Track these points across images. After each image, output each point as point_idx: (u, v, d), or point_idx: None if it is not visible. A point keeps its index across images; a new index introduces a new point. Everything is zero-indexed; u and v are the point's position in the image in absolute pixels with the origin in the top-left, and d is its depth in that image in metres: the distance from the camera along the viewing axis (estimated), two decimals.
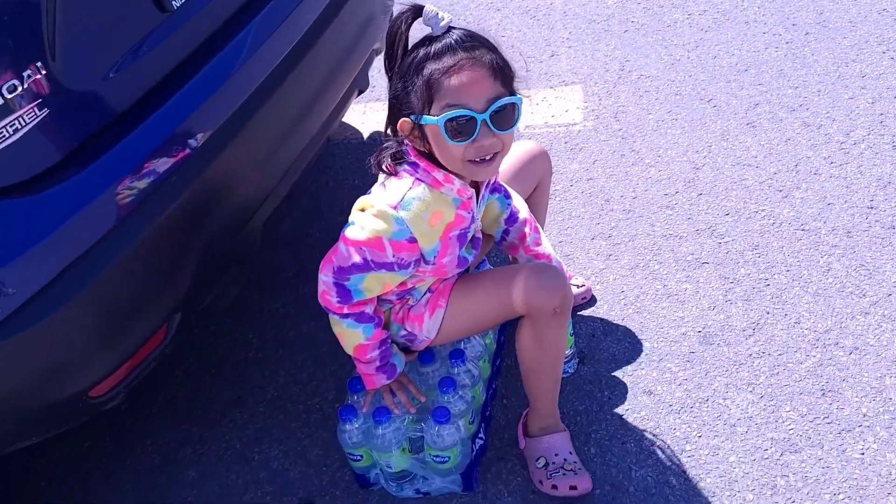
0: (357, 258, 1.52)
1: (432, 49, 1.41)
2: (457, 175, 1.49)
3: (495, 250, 2.19)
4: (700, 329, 1.95)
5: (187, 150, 1.58)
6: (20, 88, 1.32)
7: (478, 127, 1.40)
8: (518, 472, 1.77)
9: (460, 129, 1.40)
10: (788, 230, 2.14)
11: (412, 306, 1.67)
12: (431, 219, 1.50)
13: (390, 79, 1.50)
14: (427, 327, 1.66)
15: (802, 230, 2.13)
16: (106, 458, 2.03)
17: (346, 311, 1.61)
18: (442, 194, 1.51)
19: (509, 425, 1.86)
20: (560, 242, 2.29)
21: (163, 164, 1.52)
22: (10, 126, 1.32)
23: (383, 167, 1.54)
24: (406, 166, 1.51)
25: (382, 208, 1.49)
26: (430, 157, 1.50)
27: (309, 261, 2.46)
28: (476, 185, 1.60)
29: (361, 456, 1.74)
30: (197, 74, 1.66)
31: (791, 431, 1.70)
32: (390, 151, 1.52)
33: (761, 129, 2.49)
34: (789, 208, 2.20)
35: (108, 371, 1.46)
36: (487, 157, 1.45)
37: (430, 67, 1.40)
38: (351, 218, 1.56)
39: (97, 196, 1.43)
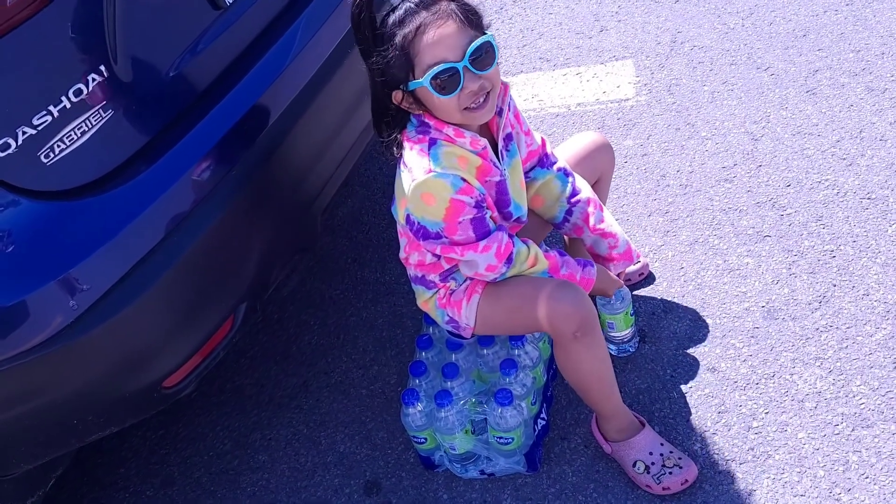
0: (465, 227, 1.53)
1: (395, 17, 1.45)
2: (464, 128, 1.53)
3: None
4: (764, 304, 1.92)
5: (248, 143, 1.62)
6: (85, 92, 1.37)
7: (461, 75, 1.44)
8: (581, 451, 1.77)
9: (446, 82, 1.44)
10: (854, 199, 2.08)
11: (453, 291, 1.68)
12: (459, 163, 1.53)
13: (367, 61, 1.52)
14: (465, 314, 1.66)
15: (869, 199, 2.07)
16: (181, 443, 2.10)
17: (503, 260, 1.58)
18: (458, 146, 1.53)
19: (571, 405, 1.86)
20: (616, 220, 2.25)
21: (225, 158, 1.56)
22: (78, 129, 1.37)
23: (399, 140, 1.56)
24: (414, 128, 1.54)
25: (423, 181, 1.49)
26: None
27: (365, 247, 2.50)
28: (492, 140, 1.61)
29: (425, 438, 1.76)
30: (253, 68, 1.70)
31: (862, 406, 1.66)
32: (398, 124, 1.56)
33: (822, 96, 2.42)
34: (854, 177, 2.14)
35: (181, 362, 1.51)
36: (481, 100, 1.49)
37: (400, 34, 1.44)
38: (417, 220, 1.55)
39: (164, 192, 1.47)
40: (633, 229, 2.22)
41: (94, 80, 1.38)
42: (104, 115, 1.41)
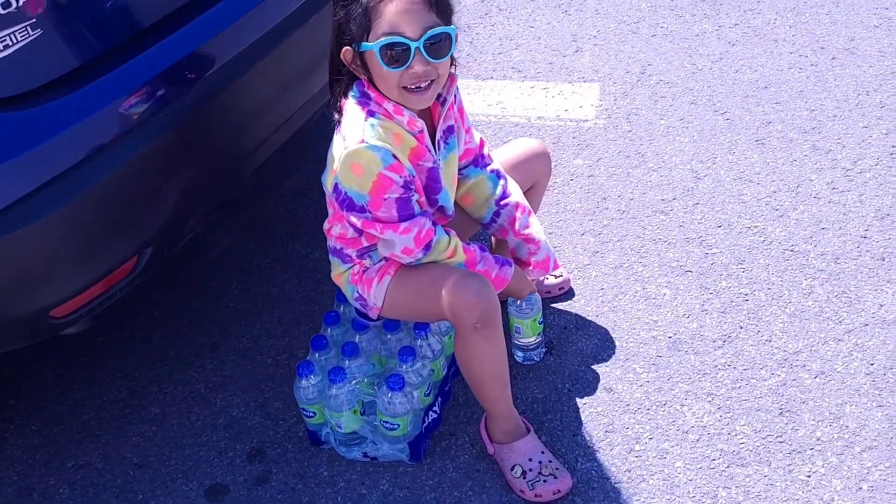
0: (389, 205, 1.52)
1: None
2: (405, 107, 1.52)
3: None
4: (671, 335, 1.95)
5: (182, 88, 1.61)
6: (14, 5, 1.35)
7: (412, 54, 1.44)
8: (467, 449, 1.78)
9: (395, 56, 1.44)
10: (777, 249, 2.12)
11: (367, 269, 1.69)
12: (394, 140, 1.52)
13: (334, 8, 1.52)
14: (374, 293, 1.67)
15: (791, 251, 2.11)
16: (77, 384, 2.07)
17: (421, 246, 1.58)
18: (395, 123, 1.53)
19: (467, 404, 1.87)
20: (550, 234, 2.28)
21: (155, 97, 1.55)
22: (1, 41, 1.35)
23: (339, 106, 1.56)
24: (356, 98, 1.53)
25: (354, 150, 1.49)
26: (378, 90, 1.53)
27: (304, 221, 2.49)
28: (432, 127, 1.61)
29: (314, 413, 1.76)
30: (203, 14, 1.69)
31: (741, 445, 1.69)
32: (342, 89, 1.56)
33: (769, 148, 2.46)
34: (782, 228, 2.18)
35: (73, 292, 1.50)
36: (422, 86, 1.48)
37: None
38: (344, 189, 1.54)
39: (83, 119, 1.46)
40: (564, 245, 2.24)
41: None
42: (32, 33, 1.39)
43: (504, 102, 2.88)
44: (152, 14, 1.62)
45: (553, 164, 2.53)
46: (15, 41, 1.37)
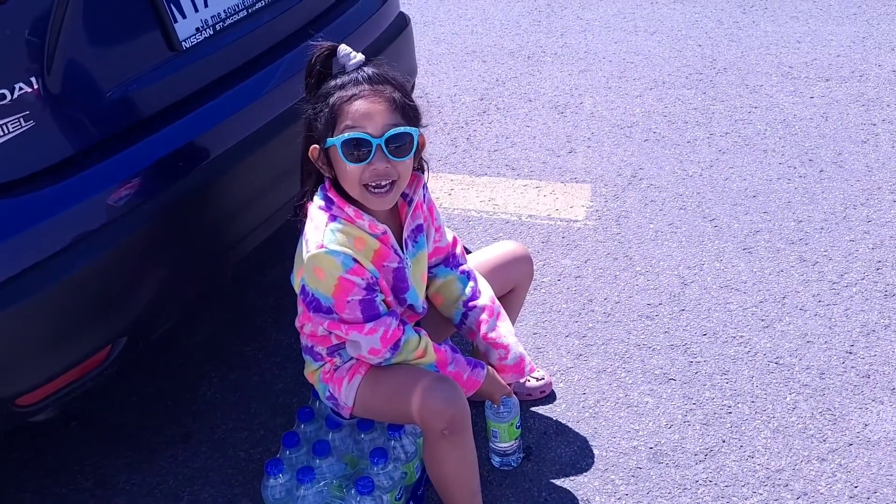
0: (353, 307, 1.53)
1: (340, 81, 1.52)
2: (365, 210, 1.54)
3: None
4: (652, 446, 1.91)
5: (168, 180, 1.64)
6: (8, 98, 1.38)
7: (373, 151, 1.47)
8: None
9: (357, 151, 1.47)
10: (762, 361, 2.10)
11: (338, 367, 1.67)
12: (356, 243, 1.54)
13: (304, 106, 1.58)
14: (345, 392, 1.65)
15: (776, 363, 2.09)
16: (42, 470, 2.02)
17: (388, 346, 1.58)
18: (357, 227, 1.55)
19: None
20: (534, 334, 2.27)
21: (139, 189, 1.57)
22: None
23: (305, 209, 1.60)
24: (320, 202, 1.56)
25: (314, 255, 1.51)
26: (343, 193, 1.56)
27: (289, 310, 2.47)
28: (399, 227, 1.63)
29: None
30: (196, 111, 1.73)
31: None
32: (308, 191, 1.60)
33: (756, 257, 2.47)
34: (767, 339, 2.16)
35: (40, 382, 1.47)
36: (384, 185, 1.50)
37: (336, 95, 1.50)
38: (311, 291, 1.56)
39: (67, 209, 1.47)
40: (547, 346, 2.23)
41: (21, 88, 1.40)
42: (24, 125, 1.42)
43: (496, 199, 2.92)
44: (149, 107, 1.65)
45: (541, 263, 2.55)
46: (7, 131, 1.39)
